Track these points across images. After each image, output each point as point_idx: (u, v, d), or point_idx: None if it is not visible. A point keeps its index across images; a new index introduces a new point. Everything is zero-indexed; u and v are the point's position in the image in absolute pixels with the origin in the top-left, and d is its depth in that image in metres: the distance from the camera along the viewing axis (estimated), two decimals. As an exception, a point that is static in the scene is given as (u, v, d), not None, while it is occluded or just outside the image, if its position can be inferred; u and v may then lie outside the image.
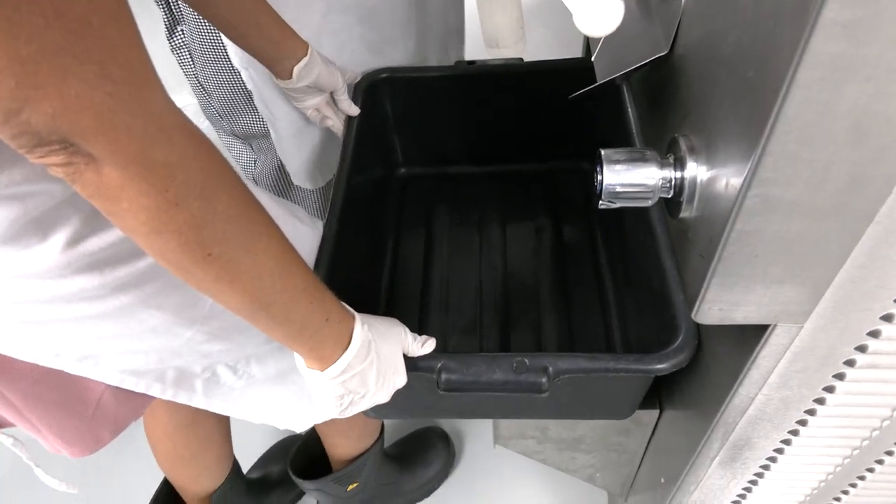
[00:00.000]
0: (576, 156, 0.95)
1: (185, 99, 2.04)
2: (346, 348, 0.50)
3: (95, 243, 0.46)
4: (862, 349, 0.45)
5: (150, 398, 0.68)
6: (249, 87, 0.84)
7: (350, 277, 0.73)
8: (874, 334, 0.44)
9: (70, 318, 0.50)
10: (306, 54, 0.71)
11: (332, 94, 0.78)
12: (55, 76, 0.28)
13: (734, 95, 0.35)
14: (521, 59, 0.88)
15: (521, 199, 0.96)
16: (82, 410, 0.65)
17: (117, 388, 0.60)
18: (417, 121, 0.95)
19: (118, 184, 0.33)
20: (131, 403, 0.71)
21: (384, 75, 0.89)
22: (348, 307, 0.52)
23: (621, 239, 0.77)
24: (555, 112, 0.90)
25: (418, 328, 0.59)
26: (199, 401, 0.65)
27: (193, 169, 0.35)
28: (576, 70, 0.85)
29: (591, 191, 0.46)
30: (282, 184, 1.00)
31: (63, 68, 0.28)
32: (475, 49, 1.13)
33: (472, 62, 0.89)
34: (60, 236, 0.44)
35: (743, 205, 0.34)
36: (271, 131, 0.91)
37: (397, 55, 0.94)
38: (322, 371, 0.50)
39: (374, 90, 0.88)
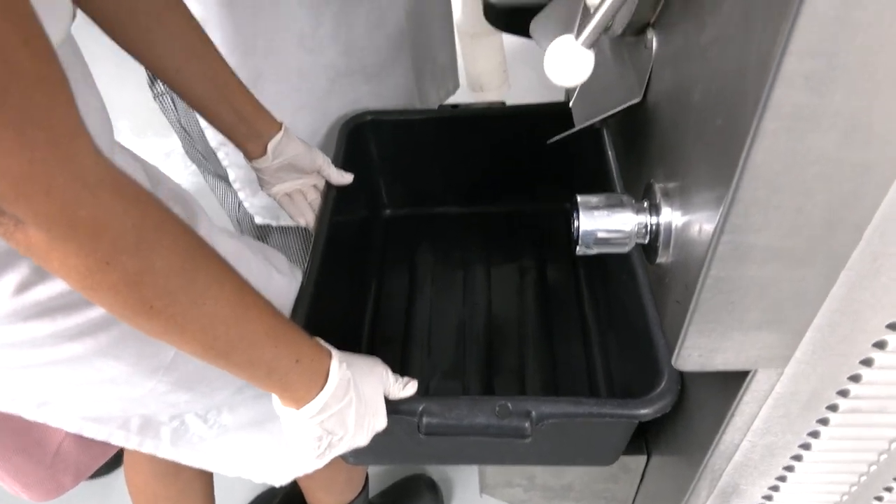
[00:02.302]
0: (559, 196, 0.96)
1: (174, 142, 2.03)
2: (323, 387, 0.49)
3: (44, 291, 0.45)
4: (843, 394, 0.45)
5: (114, 446, 0.66)
6: (213, 145, 0.86)
7: (331, 318, 0.72)
8: (855, 378, 0.44)
9: (21, 365, 0.48)
10: (281, 130, 0.70)
11: (319, 171, 0.77)
12: None
13: (704, 143, 0.36)
14: (504, 103, 0.90)
15: (505, 240, 0.96)
16: (41, 456, 0.63)
17: (78, 434, 0.58)
18: (402, 163, 0.95)
19: (45, 245, 0.32)
20: (93, 451, 0.69)
21: (369, 118, 0.90)
22: (325, 345, 0.51)
23: (604, 280, 0.77)
24: (537, 154, 0.91)
25: (400, 370, 0.58)
26: (165, 450, 0.63)
27: (124, 226, 0.34)
28: (556, 114, 0.86)
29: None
30: (265, 226, 0.99)
31: None
32: (460, 92, 1.15)
33: (455, 106, 0.90)
34: (8, 284, 0.43)
35: (716, 251, 0.34)
36: (230, 171, 0.91)
37: (400, 101, 0.97)
38: (298, 410, 0.49)
39: (358, 133, 0.89)
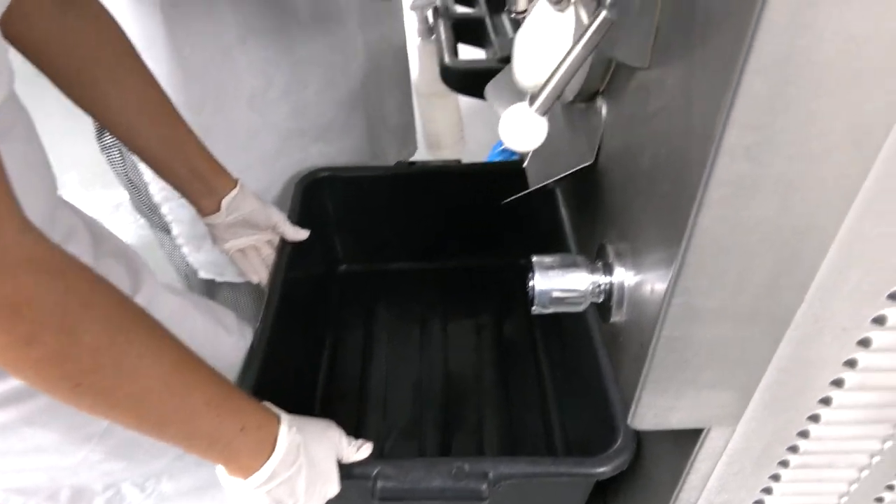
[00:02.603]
0: (515, 252, 0.97)
1: (123, 194, 2.00)
2: (271, 455, 0.47)
3: None
4: (794, 449, 0.46)
5: None
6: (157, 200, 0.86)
7: (284, 376, 0.70)
8: (804, 434, 0.45)
9: None
10: (236, 187, 0.70)
11: (274, 228, 0.76)
12: None
13: (653, 207, 0.37)
14: (460, 161, 0.92)
15: (462, 296, 0.96)
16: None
17: None
18: (358, 219, 0.95)
19: None
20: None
21: (325, 174, 0.90)
22: (274, 409, 0.50)
23: (560, 337, 0.77)
24: (493, 211, 0.92)
25: (356, 430, 0.57)
26: None
27: (46, 305, 0.33)
28: (511, 172, 0.88)
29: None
30: (214, 281, 0.97)
31: None
32: (417, 150, 1.17)
33: (412, 163, 0.91)
34: None
35: (668, 312, 0.35)
36: (173, 226, 0.89)
37: (351, 162, 0.97)
38: (245, 479, 0.46)
39: (314, 188, 0.89)
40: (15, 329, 0.32)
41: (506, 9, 0.58)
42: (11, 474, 0.52)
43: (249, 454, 0.46)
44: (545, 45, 0.42)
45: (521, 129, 0.37)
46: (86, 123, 0.71)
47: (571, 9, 0.41)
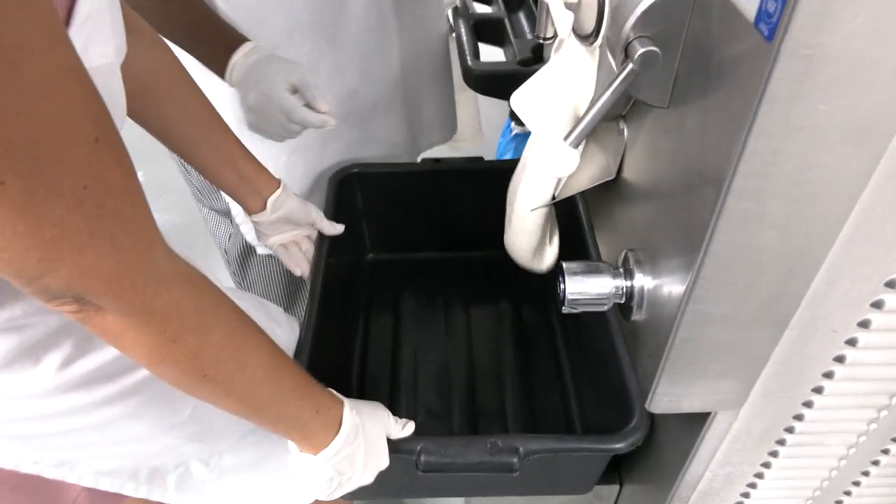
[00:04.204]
0: (532, 243, 1.03)
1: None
2: (337, 433, 0.54)
3: (85, 365, 0.49)
4: (790, 430, 0.52)
5: (125, 496, 0.69)
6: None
7: (327, 364, 0.77)
8: (799, 417, 0.51)
9: (56, 431, 0.52)
10: (279, 187, 0.76)
11: (313, 224, 0.82)
12: (73, 251, 0.32)
13: (671, 227, 0.43)
14: (482, 158, 0.97)
15: (483, 284, 1.02)
16: (57, 513, 0.66)
17: (92, 488, 0.61)
18: (385, 211, 1.01)
19: (121, 328, 0.38)
20: (105, 502, 0.71)
21: (355, 170, 0.96)
22: (336, 393, 0.57)
23: (576, 326, 0.84)
24: (513, 205, 0.98)
25: (390, 411, 0.63)
26: (171, 497, 0.66)
27: (189, 310, 0.40)
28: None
29: (547, 279, 0.52)
30: (247, 259, 1.04)
31: (80, 245, 0.33)
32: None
33: (437, 160, 0.96)
34: (53, 361, 0.48)
35: (683, 317, 0.41)
36: (232, 207, 0.96)
37: (388, 147, 1.02)
38: (315, 455, 0.54)
39: (346, 182, 0.95)
40: (165, 332, 0.39)
41: (534, 34, 0.62)
42: (104, 460, 0.59)
43: (321, 433, 0.53)
44: (565, 85, 0.47)
45: (556, 160, 0.43)
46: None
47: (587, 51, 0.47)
